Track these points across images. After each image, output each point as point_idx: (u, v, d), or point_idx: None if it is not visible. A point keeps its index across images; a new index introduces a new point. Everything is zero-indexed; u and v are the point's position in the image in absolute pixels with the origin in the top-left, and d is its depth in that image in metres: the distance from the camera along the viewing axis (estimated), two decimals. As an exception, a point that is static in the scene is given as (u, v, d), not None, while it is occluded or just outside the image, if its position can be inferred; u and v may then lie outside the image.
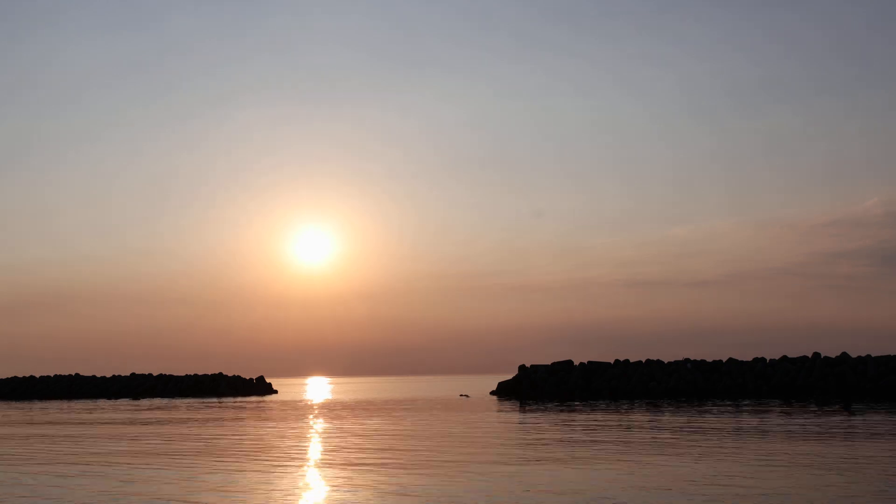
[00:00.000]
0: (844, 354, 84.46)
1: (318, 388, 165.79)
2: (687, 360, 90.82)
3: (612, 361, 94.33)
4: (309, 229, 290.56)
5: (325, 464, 29.35)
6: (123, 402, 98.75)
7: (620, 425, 45.53)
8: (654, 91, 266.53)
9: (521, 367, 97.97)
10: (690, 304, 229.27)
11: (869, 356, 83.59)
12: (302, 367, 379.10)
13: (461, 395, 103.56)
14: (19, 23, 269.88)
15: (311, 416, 61.87)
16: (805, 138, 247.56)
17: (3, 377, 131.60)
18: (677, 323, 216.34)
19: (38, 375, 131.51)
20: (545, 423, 48.41)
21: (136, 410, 76.68)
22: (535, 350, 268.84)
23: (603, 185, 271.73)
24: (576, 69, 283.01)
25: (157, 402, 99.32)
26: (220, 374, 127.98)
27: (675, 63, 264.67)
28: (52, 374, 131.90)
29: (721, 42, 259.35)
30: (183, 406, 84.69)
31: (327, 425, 51.08)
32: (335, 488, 23.28)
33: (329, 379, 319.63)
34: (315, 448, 36.13)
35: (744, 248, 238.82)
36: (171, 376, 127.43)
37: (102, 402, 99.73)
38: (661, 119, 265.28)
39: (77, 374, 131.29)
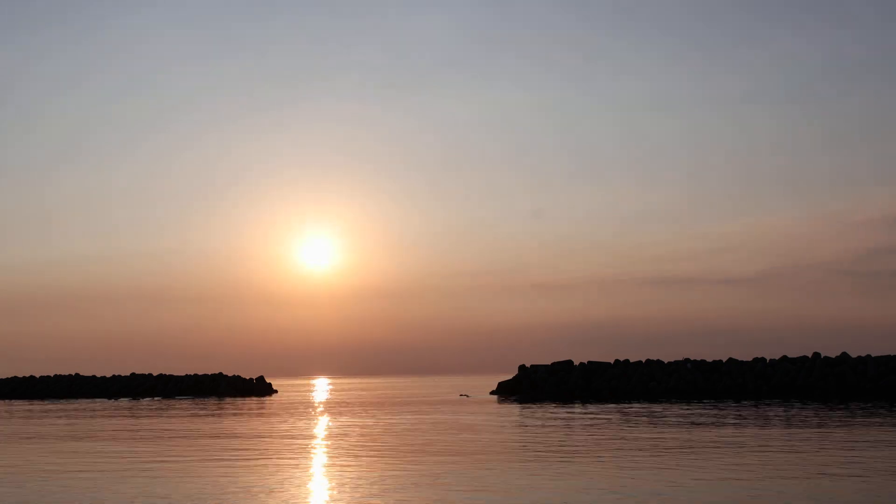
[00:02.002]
0: (844, 354, 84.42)
1: (318, 390, 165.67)
2: (687, 360, 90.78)
3: (612, 361, 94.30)
4: (310, 230, 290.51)
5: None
6: (124, 402, 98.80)
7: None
8: (666, 86, 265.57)
9: (521, 367, 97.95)
10: (691, 304, 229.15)
11: (869, 356, 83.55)
12: (304, 367, 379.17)
13: (461, 395, 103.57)
14: (7, 23, 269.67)
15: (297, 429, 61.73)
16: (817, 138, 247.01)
17: (3, 377, 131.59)
18: (677, 323, 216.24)
19: (38, 375, 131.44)
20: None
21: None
22: (535, 350, 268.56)
23: (607, 185, 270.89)
24: (586, 68, 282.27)
25: (154, 402, 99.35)
26: (220, 374, 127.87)
27: (689, 58, 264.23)
28: (52, 374, 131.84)
29: (738, 39, 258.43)
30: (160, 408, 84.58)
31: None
32: None
33: (328, 380, 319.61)
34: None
35: (752, 247, 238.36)
36: (170, 376, 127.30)
37: (102, 402, 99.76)
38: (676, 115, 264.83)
39: (77, 374, 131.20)
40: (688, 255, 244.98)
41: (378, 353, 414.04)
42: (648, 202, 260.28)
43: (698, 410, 59.42)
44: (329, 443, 37.41)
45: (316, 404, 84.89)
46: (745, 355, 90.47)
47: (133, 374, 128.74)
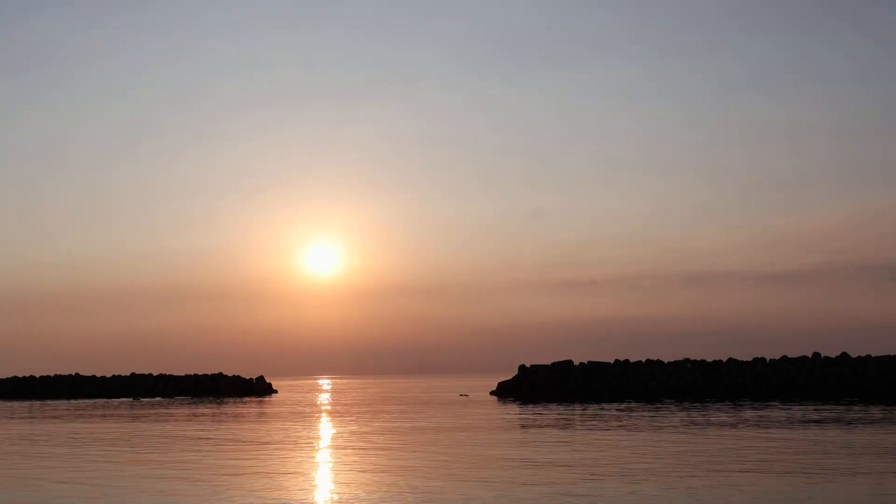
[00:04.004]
0: (844, 354, 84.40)
1: (317, 392, 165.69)
2: (687, 360, 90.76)
3: (612, 361, 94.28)
4: (312, 230, 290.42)
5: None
6: (125, 402, 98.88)
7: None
8: (675, 82, 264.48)
9: (521, 367, 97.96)
10: (691, 304, 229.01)
11: (869, 356, 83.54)
12: (305, 367, 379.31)
13: (461, 395, 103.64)
14: (5, 13, 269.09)
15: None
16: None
17: (3, 377, 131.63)
18: (677, 323, 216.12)
19: (38, 375, 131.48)
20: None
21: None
22: (535, 350, 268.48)
23: (620, 184, 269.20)
24: (605, 63, 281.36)
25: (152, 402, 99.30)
26: (220, 373, 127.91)
27: (702, 53, 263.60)
28: (52, 374, 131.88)
29: (751, 30, 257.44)
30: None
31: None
32: None
33: (329, 380, 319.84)
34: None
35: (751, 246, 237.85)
36: (170, 376, 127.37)
37: (102, 402, 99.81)
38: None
39: (77, 374, 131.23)
40: (704, 254, 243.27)
41: (378, 353, 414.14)
42: (644, 202, 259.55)
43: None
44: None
45: (316, 411, 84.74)
46: (745, 355, 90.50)
47: (133, 374, 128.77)
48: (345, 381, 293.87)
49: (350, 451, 35.05)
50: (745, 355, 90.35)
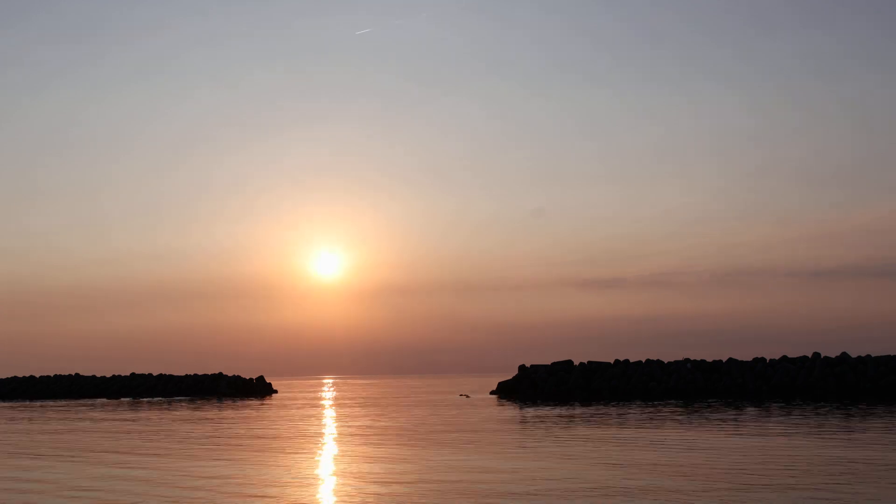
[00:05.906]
0: (844, 354, 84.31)
1: (319, 389, 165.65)
2: (687, 360, 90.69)
3: (612, 361, 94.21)
4: (314, 229, 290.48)
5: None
6: (125, 402, 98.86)
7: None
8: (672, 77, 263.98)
9: (521, 367, 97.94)
10: (690, 304, 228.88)
11: (869, 356, 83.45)
12: (306, 367, 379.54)
13: (461, 395, 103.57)
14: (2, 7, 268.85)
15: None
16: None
17: (3, 377, 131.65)
18: (678, 323, 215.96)
19: (38, 375, 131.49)
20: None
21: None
22: (535, 350, 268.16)
23: (624, 184, 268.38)
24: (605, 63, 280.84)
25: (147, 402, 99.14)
26: (220, 374, 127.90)
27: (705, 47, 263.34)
28: (52, 374, 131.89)
29: (761, 31, 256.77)
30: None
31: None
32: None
33: (331, 380, 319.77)
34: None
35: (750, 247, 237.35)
36: (170, 376, 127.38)
37: (102, 402, 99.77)
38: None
39: (77, 374, 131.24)
40: (714, 252, 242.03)
41: (378, 353, 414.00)
42: (641, 199, 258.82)
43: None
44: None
45: (312, 413, 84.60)
46: (746, 355, 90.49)
47: (133, 374, 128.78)
48: (347, 380, 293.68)
49: (344, 453, 35.00)
50: (745, 355, 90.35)
